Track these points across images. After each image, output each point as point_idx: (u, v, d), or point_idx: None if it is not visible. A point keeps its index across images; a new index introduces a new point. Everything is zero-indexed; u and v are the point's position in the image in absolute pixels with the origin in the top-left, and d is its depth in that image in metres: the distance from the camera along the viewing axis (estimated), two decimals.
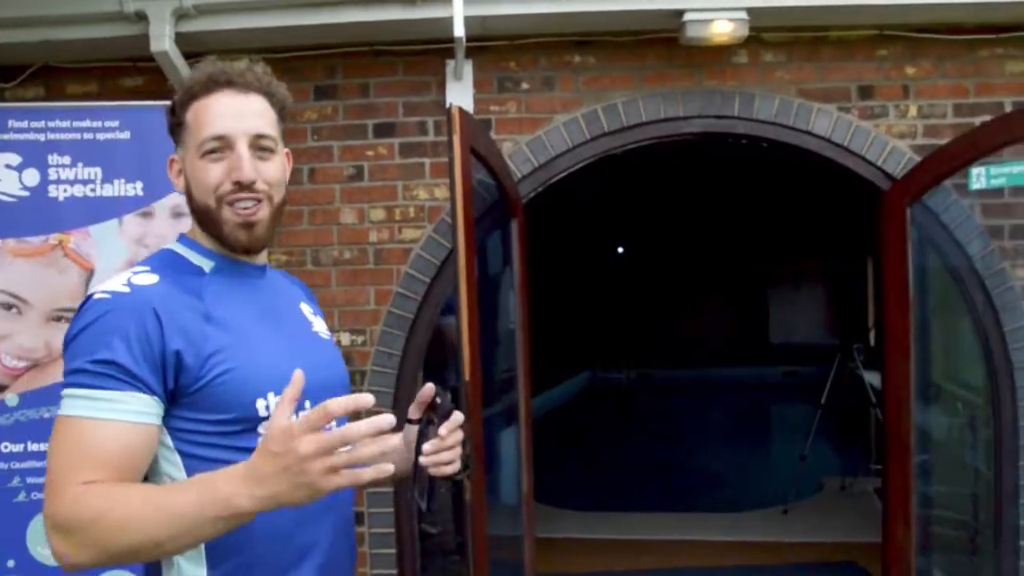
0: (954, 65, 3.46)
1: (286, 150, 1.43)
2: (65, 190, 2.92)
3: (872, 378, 5.42)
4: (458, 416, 1.36)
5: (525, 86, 3.48)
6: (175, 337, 1.21)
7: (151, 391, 1.20)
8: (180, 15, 3.16)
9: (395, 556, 3.49)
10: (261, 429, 1.25)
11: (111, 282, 1.25)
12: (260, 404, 1.26)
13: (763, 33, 3.41)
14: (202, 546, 1.22)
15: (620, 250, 11.99)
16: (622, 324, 11.78)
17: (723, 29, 3.19)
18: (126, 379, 1.18)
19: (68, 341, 1.23)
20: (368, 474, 1.09)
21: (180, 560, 1.24)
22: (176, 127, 1.37)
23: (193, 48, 3.33)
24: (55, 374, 2.84)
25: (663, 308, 12.28)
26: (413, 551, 3.55)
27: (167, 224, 2.99)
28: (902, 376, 3.48)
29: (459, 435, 1.37)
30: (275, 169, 1.36)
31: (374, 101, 3.49)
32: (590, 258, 11.48)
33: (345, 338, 3.49)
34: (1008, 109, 3.42)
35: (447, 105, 2.78)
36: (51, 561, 2.78)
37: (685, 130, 3.46)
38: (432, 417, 1.37)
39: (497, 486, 3.77)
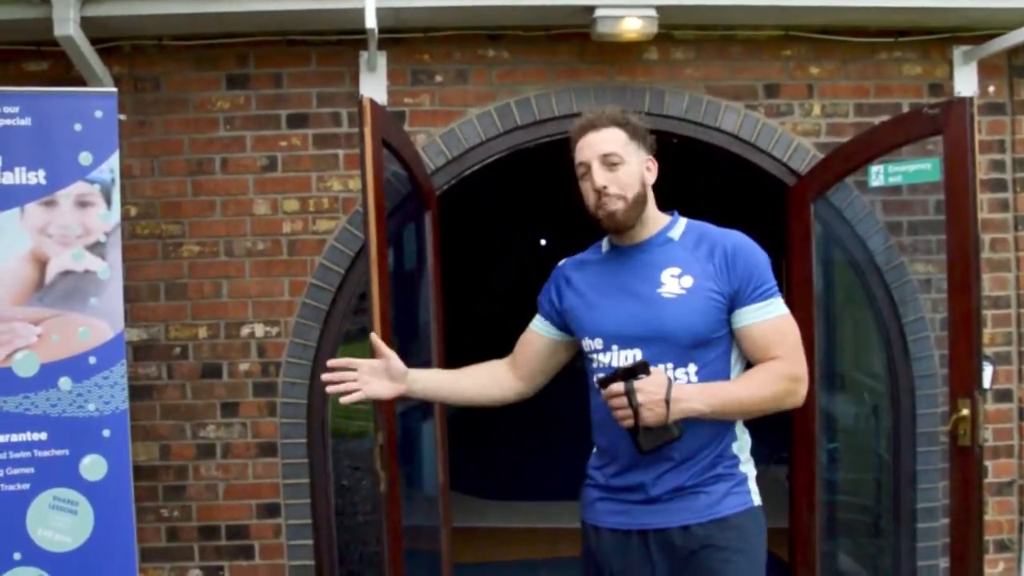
0: (856, 66, 3.59)
1: (648, 157, 2.00)
2: None
3: None
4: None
5: (439, 79, 3.49)
6: (555, 294, 2.10)
7: (548, 319, 2.13)
8: None
9: (312, 547, 3.49)
10: (590, 356, 2.00)
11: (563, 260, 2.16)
12: (583, 343, 2.02)
13: (673, 31, 3.48)
14: (594, 439, 2.08)
15: (543, 243, 12.14)
16: None
17: (633, 26, 3.24)
18: (542, 310, 2.15)
19: None
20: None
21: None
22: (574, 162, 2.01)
23: (101, 34, 3.27)
24: None
25: None
26: (330, 542, 3.55)
27: (72, 213, 2.92)
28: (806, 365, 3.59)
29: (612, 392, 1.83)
30: (623, 175, 1.92)
31: (287, 91, 3.46)
32: (513, 250, 11.58)
33: (259, 329, 3.47)
34: (905, 110, 3.55)
35: (359, 97, 2.77)
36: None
37: None
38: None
39: (415, 478, 3.78)
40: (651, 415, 1.78)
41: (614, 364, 1.92)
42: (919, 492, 3.59)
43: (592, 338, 1.98)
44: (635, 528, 1.95)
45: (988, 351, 3.49)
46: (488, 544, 4.80)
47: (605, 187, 1.91)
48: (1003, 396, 3.62)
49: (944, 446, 3.35)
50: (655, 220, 2.01)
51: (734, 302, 1.92)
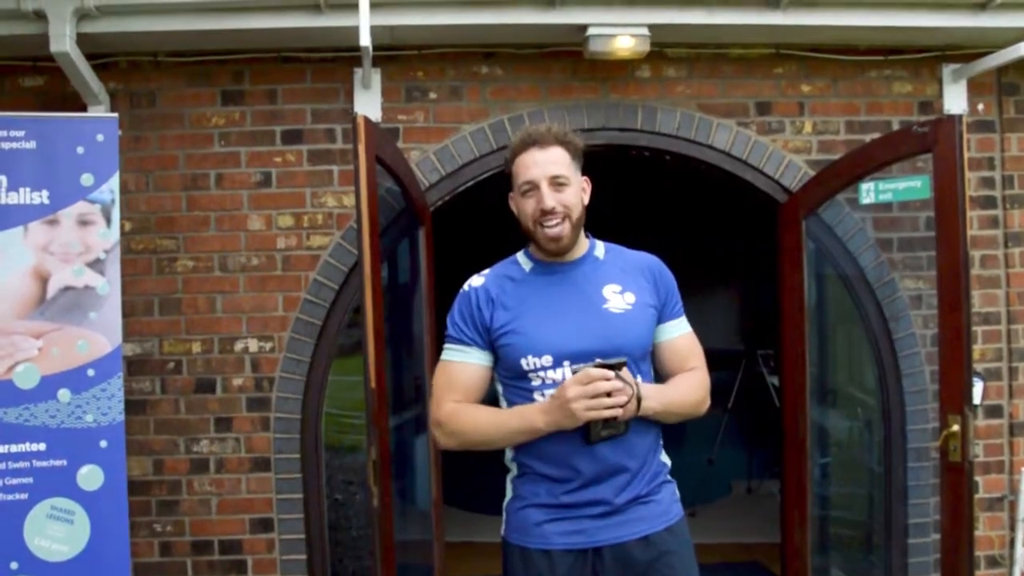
0: (846, 84, 3.62)
1: (584, 178, 2.03)
2: None
3: (778, 383, 5.56)
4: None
5: (433, 96, 3.52)
6: (486, 315, 1.98)
7: (480, 347, 1.99)
8: (82, 15, 3.10)
9: (305, 561, 3.49)
10: (530, 376, 1.94)
11: (470, 280, 2.05)
12: (522, 362, 1.94)
13: (665, 49, 3.52)
14: (515, 460, 2.02)
15: None
16: None
17: (625, 44, 3.27)
18: (467, 339, 1.99)
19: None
20: (606, 414, 1.81)
21: (511, 464, 2.05)
22: (508, 175, 2.03)
23: (97, 50, 3.30)
24: None
25: None
26: (324, 556, 3.55)
27: (73, 232, 3.00)
28: (798, 380, 3.62)
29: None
30: (569, 196, 1.95)
31: (282, 108, 3.48)
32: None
33: (253, 344, 3.47)
34: (895, 127, 3.58)
35: (353, 114, 2.80)
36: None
37: (589, 142, 3.43)
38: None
39: (408, 492, 3.79)
40: (631, 408, 1.85)
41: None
42: (910, 507, 3.59)
43: (539, 355, 1.92)
44: (591, 546, 1.93)
45: (978, 367, 3.51)
46: (481, 559, 4.78)
47: (554, 208, 1.93)
48: (993, 412, 3.64)
49: (935, 462, 3.37)
50: (583, 239, 2.06)
51: (659, 318, 2.05)
